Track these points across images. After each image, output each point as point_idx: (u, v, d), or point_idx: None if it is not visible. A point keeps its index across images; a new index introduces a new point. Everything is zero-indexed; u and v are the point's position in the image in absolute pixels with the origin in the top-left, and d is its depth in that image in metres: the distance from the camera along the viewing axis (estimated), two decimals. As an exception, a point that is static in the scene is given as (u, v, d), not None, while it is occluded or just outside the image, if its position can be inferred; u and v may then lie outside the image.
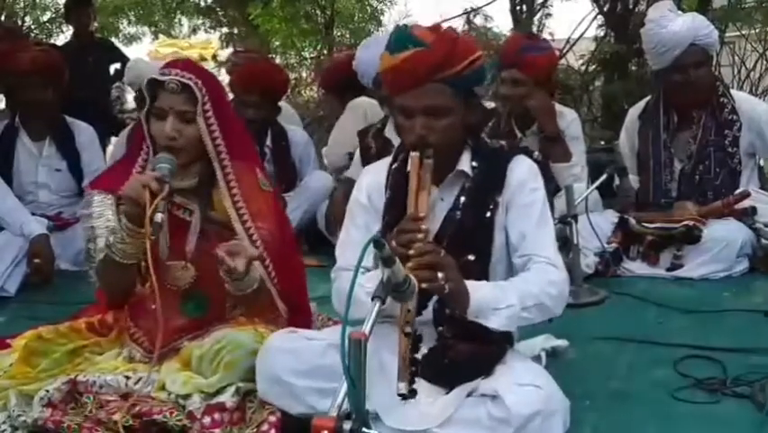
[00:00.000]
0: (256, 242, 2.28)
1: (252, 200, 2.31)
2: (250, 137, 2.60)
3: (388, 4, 10.71)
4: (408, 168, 2.03)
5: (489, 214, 2.08)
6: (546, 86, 3.92)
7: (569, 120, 3.91)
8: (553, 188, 3.44)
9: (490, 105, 4.05)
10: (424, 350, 1.98)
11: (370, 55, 4.19)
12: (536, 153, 3.73)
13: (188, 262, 2.30)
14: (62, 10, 7.72)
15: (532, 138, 3.87)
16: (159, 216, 2.07)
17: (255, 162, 2.47)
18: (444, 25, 2.22)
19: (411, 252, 1.82)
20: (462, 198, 2.10)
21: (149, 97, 2.28)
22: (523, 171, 2.12)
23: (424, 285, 1.76)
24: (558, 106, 3.97)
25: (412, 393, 1.71)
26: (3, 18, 9.82)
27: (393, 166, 2.19)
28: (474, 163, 2.12)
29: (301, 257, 2.72)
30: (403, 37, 2.09)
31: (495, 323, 1.92)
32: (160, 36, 13.68)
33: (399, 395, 1.67)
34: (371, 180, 2.22)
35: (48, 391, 2.11)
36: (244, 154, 2.38)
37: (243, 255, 2.12)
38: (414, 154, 2.01)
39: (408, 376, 1.69)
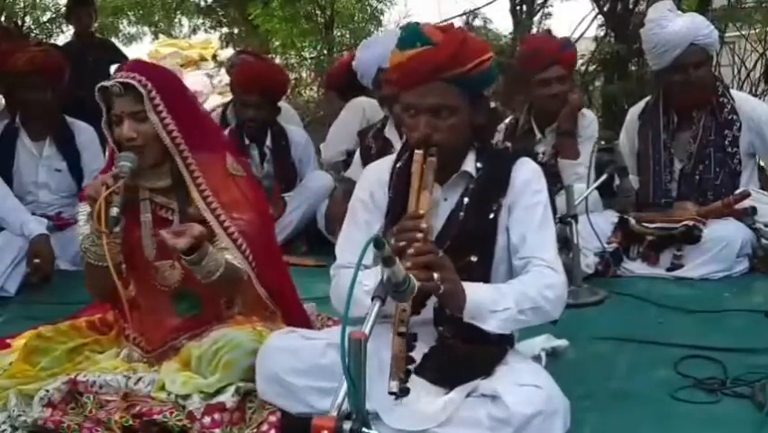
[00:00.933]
0: (232, 233, 2.26)
1: (223, 191, 2.30)
2: (215, 126, 2.59)
3: (388, 4, 10.69)
4: (412, 167, 2.03)
5: (492, 215, 2.08)
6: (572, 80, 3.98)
7: (589, 120, 3.93)
8: (557, 188, 3.45)
9: (492, 105, 4.04)
10: (424, 349, 1.99)
11: (369, 55, 4.20)
12: (540, 155, 3.76)
13: (175, 261, 2.29)
14: (62, 10, 7.73)
15: (551, 136, 3.88)
16: (114, 211, 2.09)
17: (225, 149, 2.44)
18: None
19: (409, 250, 1.81)
20: (466, 200, 2.10)
21: (104, 106, 2.29)
22: (527, 173, 2.12)
23: (418, 284, 1.74)
24: None
25: (403, 392, 1.69)
26: (2, 18, 9.82)
27: (397, 165, 2.18)
28: (479, 164, 2.12)
29: (278, 245, 2.71)
30: (412, 34, 2.10)
31: (491, 325, 1.92)
32: (160, 36, 13.68)
33: (390, 393, 1.66)
34: (374, 179, 2.22)
35: (48, 390, 2.11)
36: (209, 144, 2.36)
37: (188, 234, 2.11)
38: (417, 152, 2.00)
39: (400, 375, 1.68)
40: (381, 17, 10.79)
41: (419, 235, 1.84)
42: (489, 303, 1.92)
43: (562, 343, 2.51)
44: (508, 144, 3.84)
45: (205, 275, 2.19)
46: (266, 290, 2.34)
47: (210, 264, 2.18)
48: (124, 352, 2.35)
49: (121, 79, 2.23)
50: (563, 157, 3.76)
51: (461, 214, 2.09)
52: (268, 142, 4.39)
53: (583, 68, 7.10)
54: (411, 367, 1.75)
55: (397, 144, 3.69)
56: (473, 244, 2.06)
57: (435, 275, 1.81)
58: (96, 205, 2.11)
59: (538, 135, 3.91)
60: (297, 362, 2.03)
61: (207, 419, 2.02)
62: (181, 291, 2.32)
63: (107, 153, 2.50)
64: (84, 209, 2.34)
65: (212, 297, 2.32)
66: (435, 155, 1.99)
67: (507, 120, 4.09)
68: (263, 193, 2.58)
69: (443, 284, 1.83)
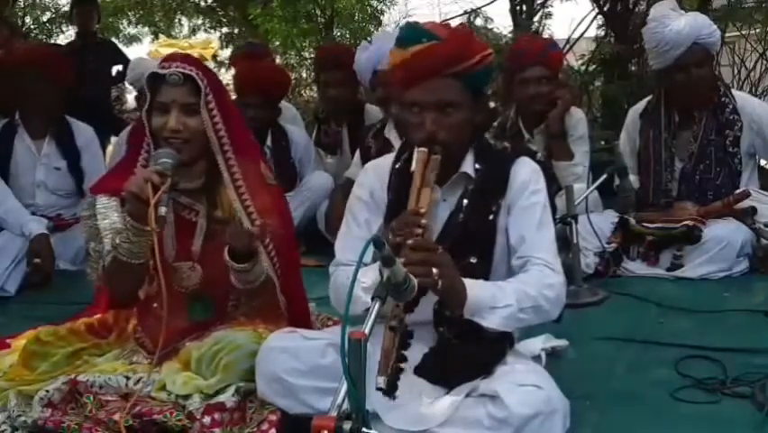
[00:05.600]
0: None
1: (258, 196, 2.30)
2: (251, 134, 2.59)
3: (388, 4, 10.70)
4: (413, 165, 2.02)
5: (491, 216, 2.08)
6: (558, 81, 3.96)
7: (576, 119, 3.91)
8: (555, 189, 3.45)
9: (491, 104, 4.05)
10: (424, 350, 1.99)
11: (366, 57, 4.21)
12: (539, 154, 3.75)
13: (195, 263, 2.30)
14: (62, 10, 7.74)
15: (539, 137, 3.87)
16: (162, 210, 2.06)
17: (259, 157, 2.46)
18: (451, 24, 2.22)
19: (408, 242, 1.80)
20: (465, 201, 2.09)
21: (149, 93, 2.26)
22: (525, 174, 2.11)
23: (416, 279, 1.74)
24: None
25: (391, 389, 1.67)
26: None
27: (396, 166, 2.18)
28: (477, 165, 2.11)
29: (299, 255, 2.72)
30: (415, 31, 2.10)
31: (492, 322, 1.92)
32: (160, 36, 13.68)
33: (378, 389, 1.64)
34: (373, 178, 2.21)
35: (48, 391, 2.11)
36: (247, 149, 2.36)
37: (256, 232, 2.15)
38: (421, 150, 1.99)
39: (389, 371, 1.65)
40: (381, 17, 10.80)
41: (418, 231, 1.84)
42: (489, 300, 1.91)
43: (562, 343, 2.51)
44: (507, 144, 3.84)
45: (250, 281, 2.21)
46: (284, 296, 2.34)
47: (257, 271, 2.20)
48: (125, 354, 2.34)
49: (181, 70, 2.21)
50: (557, 159, 3.76)
51: (461, 215, 2.08)
52: (268, 142, 4.39)
53: (583, 68, 7.11)
54: (403, 366, 1.72)
55: (397, 144, 3.69)
56: (473, 246, 2.05)
57: (435, 270, 1.80)
58: (141, 202, 2.07)
59: (526, 136, 3.91)
60: (297, 362, 2.03)
61: (207, 419, 2.02)
62: (197, 294, 2.31)
63: (129, 141, 2.47)
64: (103, 204, 2.31)
65: (224, 301, 2.32)
66: (440, 153, 1.99)
67: (496, 121, 4.09)
68: (286, 202, 2.58)
69: (441, 280, 1.82)
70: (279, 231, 2.33)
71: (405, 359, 1.72)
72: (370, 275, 1.82)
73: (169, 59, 2.30)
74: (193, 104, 2.22)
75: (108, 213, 2.30)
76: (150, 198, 2.05)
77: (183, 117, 2.22)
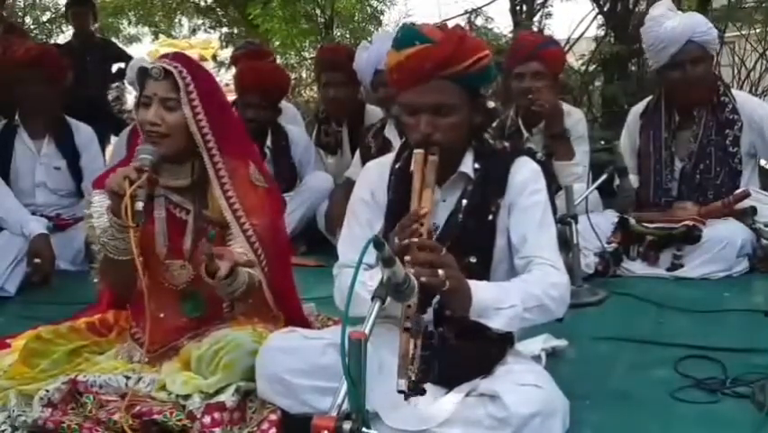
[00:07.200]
0: (250, 236, 2.28)
1: (243, 195, 2.31)
2: (246, 133, 2.59)
3: (388, 4, 10.72)
4: (412, 166, 2.03)
5: (491, 216, 2.08)
6: (557, 81, 3.94)
7: (576, 119, 3.91)
8: (555, 188, 3.44)
9: (491, 104, 4.04)
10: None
11: (366, 57, 4.21)
12: (539, 154, 3.75)
13: (186, 261, 2.30)
14: (62, 10, 7.75)
15: (539, 136, 3.87)
16: (139, 204, 2.07)
17: (251, 157, 2.45)
18: (449, 25, 2.21)
19: (413, 245, 1.80)
20: (464, 201, 2.09)
21: (139, 87, 2.30)
22: (525, 173, 2.11)
23: (423, 279, 1.74)
24: (565, 106, 3.96)
25: (414, 390, 1.68)
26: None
27: (396, 166, 2.18)
28: (476, 165, 2.11)
29: (290, 254, 2.71)
30: (410, 34, 2.09)
31: (497, 323, 1.91)
32: (161, 36, 13.70)
33: (399, 391, 1.65)
34: (375, 178, 2.21)
35: (48, 391, 2.11)
36: (237, 149, 2.36)
37: (228, 259, 2.12)
38: (418, 151, 2.00)
39: (408, 373, 1.67)
40: (381, 17, 10.82)
41: (422, 232, 1.84)
42: (494, 300, 1.91)
43: (562, 343, 2.51)
44: (506, 144, 3.83)
45: (227, 292, 2.21)
46: (272, 295, 2.34)
47: (237, 284, 2.20)
48: (125, 348, 2.35)
49: (163, 65, 2.24)
50: (558, 159, 3.75)
51: (460, 216, 2.08)
52: (268, 142, 4.40)
53: (583, 68, 7.11)
54: (422, 365, 1.72)
55: (397, 144, 3.69)
56: (472, 246, 2.05)
57: (440, 272, 1.80)
58: (119, 198, 2.08)
59: (525, 135, 3.91)
60: (297, 362, 2.03)
61: (207, 419, 2.02)
62: (189, 291, 2.32)
63: (129, 141, 2.48)
64: (98, 202, 2.32)
65: (216, 298, 2.31)
66: (437, 154, 1.99)
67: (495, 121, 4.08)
68: (280, 201, 2.57)
69: (449, 280, 1.82)
70: (269, 229, 2.33)
71: (426, 360, 1.72)
72: (375, 278, 1.82)
73: (164, 56, 2.33)
74: (173, 99, 2.24)
75: (102, 211, 2.31)
76: (127, 194, 2.07)
77: (162, 112, 2.24)
